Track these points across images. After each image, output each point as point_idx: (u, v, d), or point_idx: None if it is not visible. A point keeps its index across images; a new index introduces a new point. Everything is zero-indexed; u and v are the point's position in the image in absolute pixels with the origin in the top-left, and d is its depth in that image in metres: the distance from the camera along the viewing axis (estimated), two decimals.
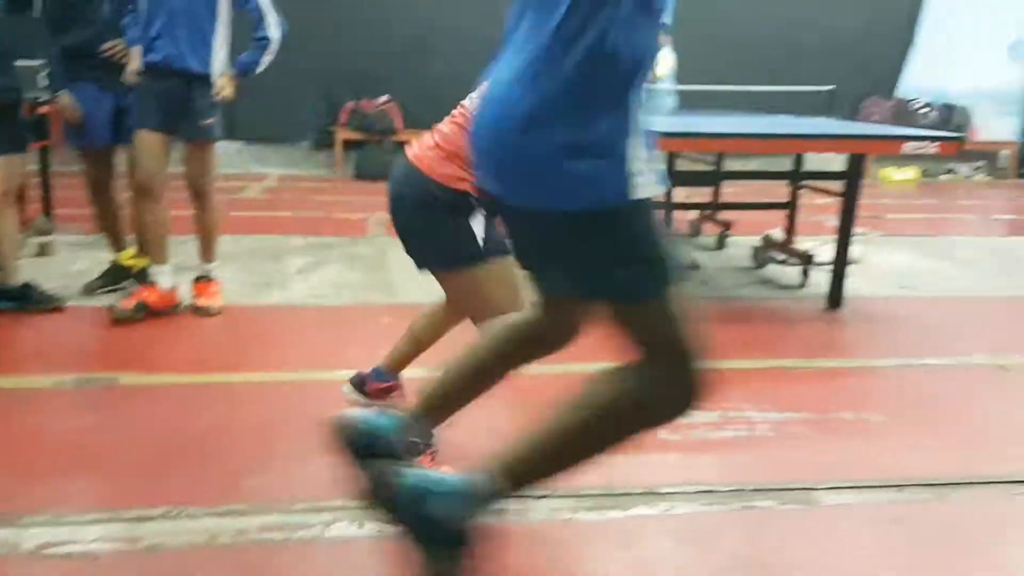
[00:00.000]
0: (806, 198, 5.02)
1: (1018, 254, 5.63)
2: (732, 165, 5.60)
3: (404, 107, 9.06)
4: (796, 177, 4.64)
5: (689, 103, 7.68)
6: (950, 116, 10.07)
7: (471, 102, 2.12)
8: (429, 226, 2.21)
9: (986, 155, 10.64)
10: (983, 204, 8.11)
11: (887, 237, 6.12)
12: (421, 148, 2.21)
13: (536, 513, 2.10)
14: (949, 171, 10.31)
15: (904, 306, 4.31)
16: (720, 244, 5.62)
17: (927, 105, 10.11)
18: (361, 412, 1.78)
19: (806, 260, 4.59)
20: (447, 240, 2.20)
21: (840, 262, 4.13)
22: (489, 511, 1.53)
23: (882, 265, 5.16)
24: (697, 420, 2.71)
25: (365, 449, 1.65)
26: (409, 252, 2.30)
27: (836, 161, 4.45)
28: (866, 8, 10.05)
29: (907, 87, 10.32)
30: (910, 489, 2.32)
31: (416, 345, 2.48)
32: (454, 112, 2.21)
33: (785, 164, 4.92)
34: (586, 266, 1.49)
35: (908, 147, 3.66)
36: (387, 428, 1.70)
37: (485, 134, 1.49)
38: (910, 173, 9.88)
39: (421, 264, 2.30)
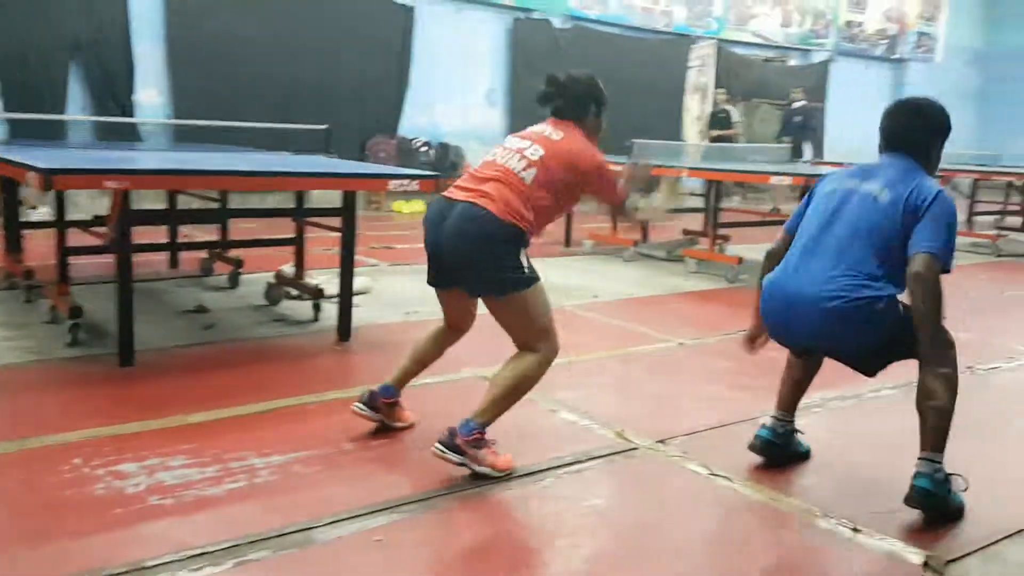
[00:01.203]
0: (323, 232, 5.13)
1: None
2: (246, 202, 5.50)
3: None
4: (299, 213, 4.72)
5: (192, 138, 7.40)
6: (446, 153, 11.24)
7: (505, 158, 2.77)
8: (491, 257, 2.64)
9: None
10: None
11: (396, 266, 6.56)
12: (481, 191, 2.66)
13: None
14: None
15: (408, 331, 4.60)
16: (233, 283, 5.48)
17: (426, 143, 11.16)
18: None
19: (316, 294, 4.68)
20: (505, 269, 2.65)
21: (346, 294, 4.28)
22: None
23: (391, 293, 5.50)
24: (193, 478, 2.55)
25: None
26: (464, 281, 2.73)
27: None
28: (364, 53, 10.76)
29: (408, 127, 11.27)
30: (402, 508, 2.46)
31: (420, 364, 3.02)
32: (496, 166, 2.74)
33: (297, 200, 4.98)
34: None
35: (393, 184, 3.92)
36: None
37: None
38: (417, 206, 10.79)
39: (477, 291, 2.76)
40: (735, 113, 12.47)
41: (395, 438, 3.02)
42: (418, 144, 11.09)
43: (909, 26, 17.77)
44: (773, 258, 2.85)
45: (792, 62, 16.27)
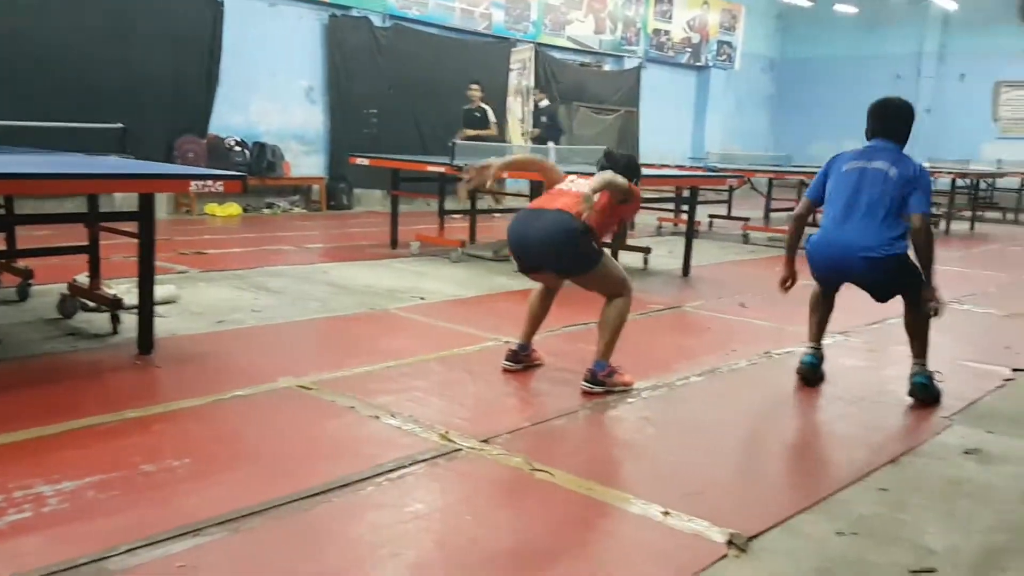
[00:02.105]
0: (128, 239, 4.76)
1: (297, 275, 6.26)
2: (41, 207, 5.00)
3: None
4: (91, 218, 4.34)
5: None
6: (263, 153, 10.80)
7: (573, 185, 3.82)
8: (577, 247, 3.59)
9: (300, 190, 11.73)
10: (298, 235, 8.87)
11: (208, 273, 6.21)
12: (565, 200, 3.66)
13: None
14: (270, 205, 11.05)
15: (219, 341, 4.38)
16: (23, 295, 4.98)
17: (240, 143, 10.67)
18: None
19: (115, 305, 4.33)
20: (586, 253, 3.64)
21: (146, 304, 3.98)
22: None
23: (201, 302, 5.19)
24: None
25: None
26: (558, 267, 3.72)
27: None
28: (171, 50, 10.14)
29: (221, 126, 10.73)
30: (206, 531, 2.29)
31: (537, 320, 3.98)
32: (569, 193, 3.73)
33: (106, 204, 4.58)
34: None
35: (195, 185, 3.68)
36: None
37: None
38: (233, 209, 10.30)
39: (568, 273, 3.76)
40: (491, 113, 11.86)
41: (199, 457, 2.83)
42: (231, 144, 10.58)
43: (711, 35, 18.99)
44: (800, 220, 4.09)
45: (607, 67, 16.95)
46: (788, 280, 4.11)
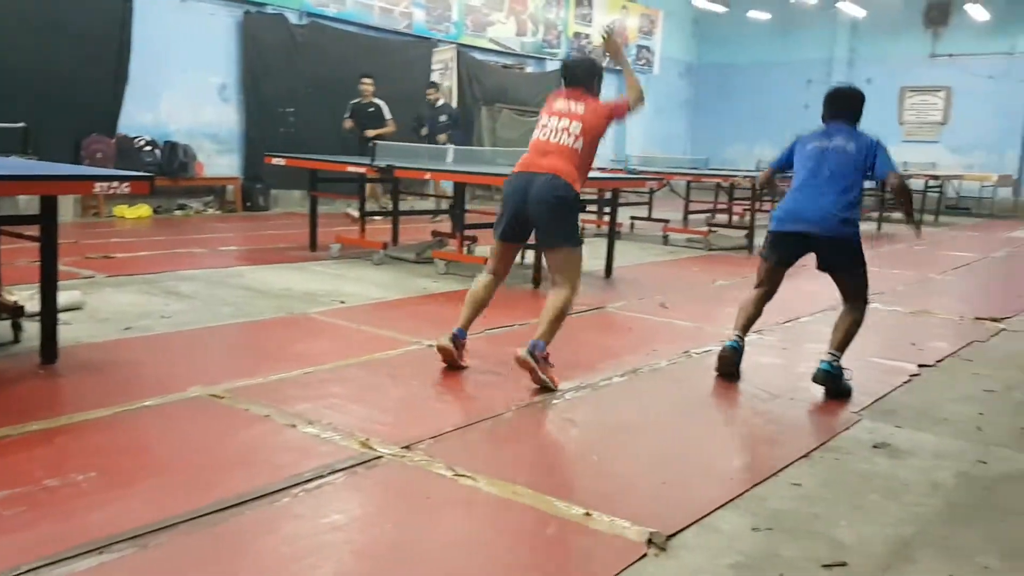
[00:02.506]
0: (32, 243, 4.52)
1: (210, 279, 6.09)
2: None
3: None
4: None
5: None
6: (175, 153, 10.45)
7: (557, 137, 3.94)
8: (569, 212, 3.85)
9: (214, 190, 11.40)
10: (212, 237, 8.62)
11: (116, 278, 5.97)
12: (555, 160, 3.85)
13: None
14: (182, 207, 10.70)
15: (126, 349, 4.20)
16: None
17: (151, 143, 10.31)
18: None
19: (16, 312, 4.12)
20: (575, 224, 3.90)
21: (49, 311, 3.79)
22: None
23: (108, 308, 4.99)
24: None
25: None
26: (543, 232, 3.91)
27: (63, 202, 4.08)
28: (77, 47, 9.72)
29: (130, 125, 10.34)
30: (113, 548, 2.19)
31: (479, 307, 4.07)
32: (551, 145, 3.93)
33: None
34: None
35: (100, 187, 3.52)
36: None
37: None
38: (143, 210, 9.94)
39: (547, 242, 3.94)
40: (386, 109, 10.96)
41: (105, 470, 2.70)
42: (141, 143, 10.21)
43: (630, 39, 19.27)
44: (766, 180, 4.74)
45: (529, 69, 17.02)
46: (767, 183, 4.81)
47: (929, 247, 11.08)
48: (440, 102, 12.10)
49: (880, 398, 3.92)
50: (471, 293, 4.10)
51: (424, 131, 11.67)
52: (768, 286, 4.30)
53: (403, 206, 9.07)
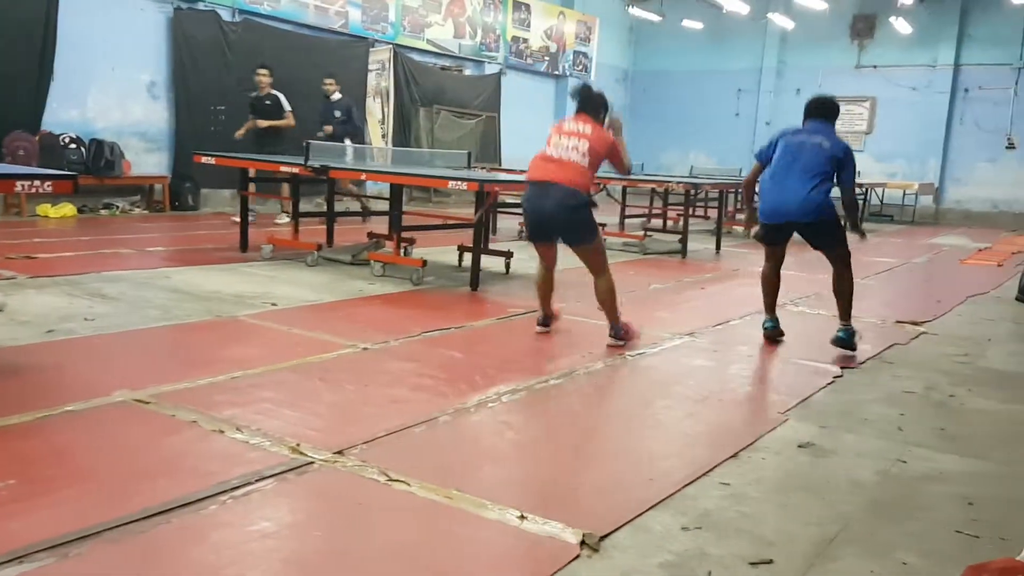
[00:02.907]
0: None
1: (136, 280, 5.93)
2: None
3: None
4: None
5: None
6: (101, 151, 10.14)
7: (568, 154, 4.62)
8: (585, 219, 4.54)
9: (141, 190, 11.09)
10: (139, 238, 8.38)
11: (37, 279, 5.75)
12: (566, 171, 4.54)
13: None
14: (108, 206, 10.38)
15: (48, 352, 4.06)
16: None
17: (76, 140, 9.97)
18: None
19: None
20: (590, 226, 4.59)
21: None
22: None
23: (29, 310, 4.80)
24: None
25: None
26: (564, 236, 4.66)
27: None
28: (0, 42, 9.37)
29: (54, 122, 9.99)
30: (33, 557, 2.11)
31: (548, 293, 4.98)
32: (563, 154, 4.62)
33: None
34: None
35: (21, 186, 3.39)
36: None
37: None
38: (67, 210, 9.62)
39: (572, 242, 4.67)
40: (285, 101, 10.41)
41: (25, 478, 2.60)
42: (66, 141, 9.87)
43: (568, 45, 19.44)
44: (752, 182, 5.32)
45: (468, 72, 17.02)
46: (752, 223, 5.34)
47: (853, 253, 11.43)
48: (336, 96, 11.09)
49: (805, 399, 4.03)
50: (537, 287, 5.05)
51: (324, 132, 10.64)
52: (774, 260, 5.29)
53: (339, 207, 8.97)
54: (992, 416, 3.96)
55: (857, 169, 5.04)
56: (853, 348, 4.93)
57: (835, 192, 4.92)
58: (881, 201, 17.78)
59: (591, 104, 4.82)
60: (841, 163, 4.80)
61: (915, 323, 6.15)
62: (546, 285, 5.00)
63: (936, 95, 19.05)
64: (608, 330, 4.85)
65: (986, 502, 2.89)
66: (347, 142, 10.31)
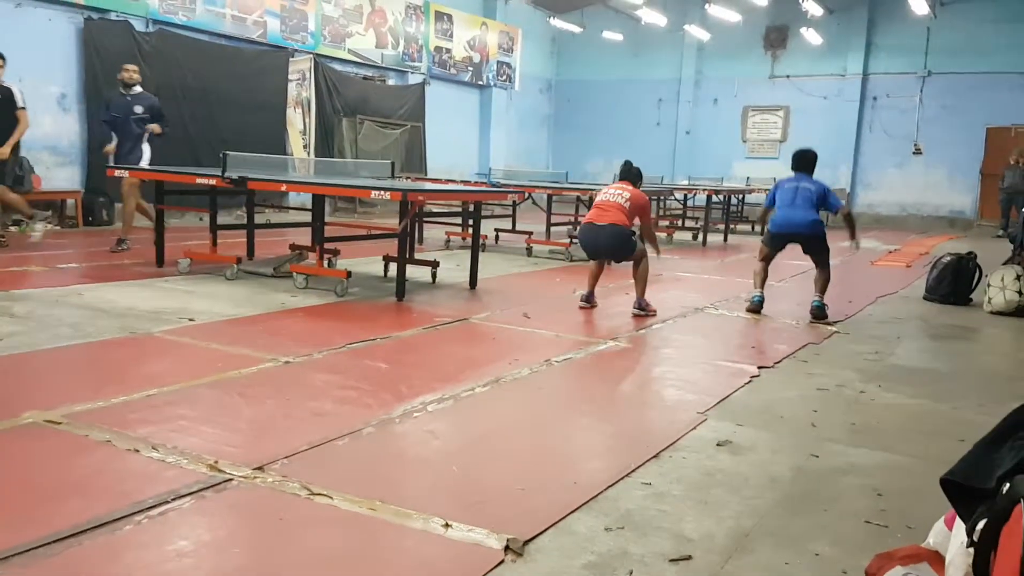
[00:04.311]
0: None
1: (47, 299, 5.72)
2: None
3: None
4: None
5: None
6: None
7: (614, 200, 6.38)
8: (627, 244, 6.31)
9: (53, 205, 10.68)
10: (50, 255, 8.07)
11: None
12: (613, 215, 6.27)
13: None
14: (17, 223, 9.95)
15: None
16: None
17: None
18: None
19: None
20: (631, 246, 6.34)
21: None
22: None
23: None
24: None
25: None
26: (613, 256, 6.56)
27: None
28: None
29: None
30: None
31: (596, 279, 6.61)
32: (612, 201, 6.36)
33: None
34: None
35: None
36: None
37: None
38: None
39: (619, 259, 6.65)
40: (20, 94, 8.42)
41: None
42: None
43: (491, 55, 19.56)
44: (765, 213, 7.11)
45: (391, 82, 16.95)
46: (764, 217, 7.36)
47: (780, 258, 11.80)
48: (137, 89, 8.79)
49: (723, 399, 4.13)
50: (590, 273, 6.60)
51: (110, 147, 8.80)
52: (767, 261, 6.89)
53: (259, 219, 8.81)
54: (900, 410, 4.14)
55: (844, 193, 6.19)
56: (824, 317, 6.52)
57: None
58: None
59: (631, 175, 6.65)
60: (822, 197, 6.64)
61: (828, 323, 6.37)
62: (596, 274, 6.60)
63: (846, 103, 19.83)
64: (633, 303, 6.44)
65: (894, 493, 3.01)
66: (146, 151, 8.58)
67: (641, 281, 6.42)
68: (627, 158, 7.07)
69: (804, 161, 6.87)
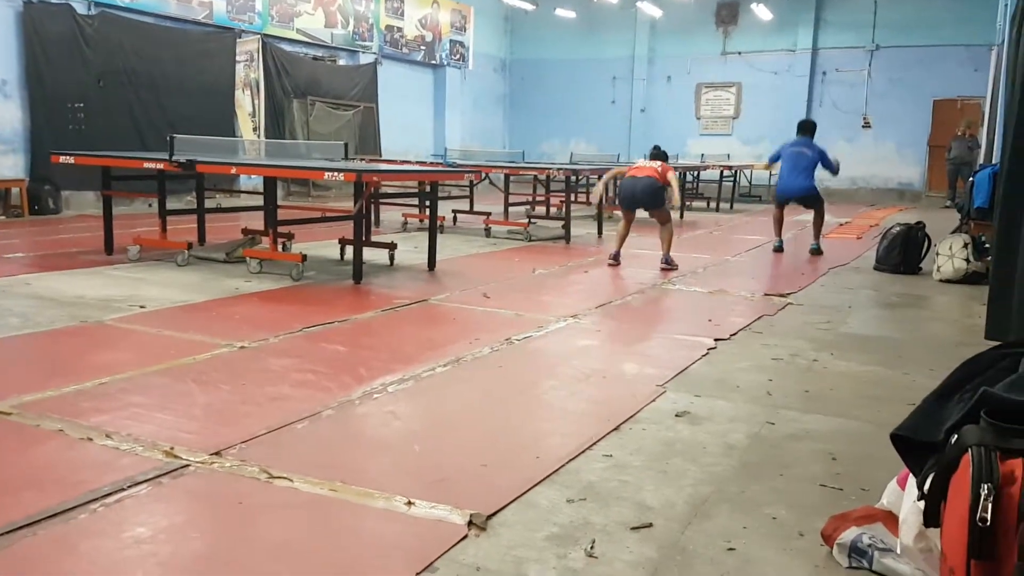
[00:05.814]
0: None
1: (1, 288, 5.58)
2: None
3: None
4: None
5: None
6: None
7: (649, 165, 7.86)
8: (659, 196, 7.63)
9: None
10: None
11: None
12: (649, 172, 7.66)
13: None
14: None
15: None
16: None
17: None
18: None
19: None
20: (662, 198, 7.71)
21: None
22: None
23: None
24: None
25: None
26: (646, 206, 7.71)
27: None
28: None
29: None
30: None
31: (623, 238, 7.95)
32: (648, 166, 7.82)
33: None
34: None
35: None
36: None
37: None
38: None
39: (650, 207, 7.74)
40: None
41: None
42: None
43: (443, 34, 19.38)
44: (768, 167, 10.57)
45: (342, 62, 16.71)
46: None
47: (725, 231, 11.95)
48: None
49: (682, 371, 4.19)
50: (618, 234, 7.86)
51: None
52: (780, 210, 9.28)
53: (209, 203, 8.65)
54: (852, 377, 4.23)
55: (835, 160, 9.26)
56: (820, 253, 8.92)
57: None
58: (750, 182, 18.58)
59: (661, 155, 8.00)
60: (820, 157, 8.90)
61: (782, 295, 6.48)
62: (624, 233, 7.84)
63: (796, 79, 20.07)
64: (660, 259, 7.73)
65: (848, 457, 3.08)
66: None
67: (666, 241, 7.77)
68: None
69: (806, 127, 9.17)
